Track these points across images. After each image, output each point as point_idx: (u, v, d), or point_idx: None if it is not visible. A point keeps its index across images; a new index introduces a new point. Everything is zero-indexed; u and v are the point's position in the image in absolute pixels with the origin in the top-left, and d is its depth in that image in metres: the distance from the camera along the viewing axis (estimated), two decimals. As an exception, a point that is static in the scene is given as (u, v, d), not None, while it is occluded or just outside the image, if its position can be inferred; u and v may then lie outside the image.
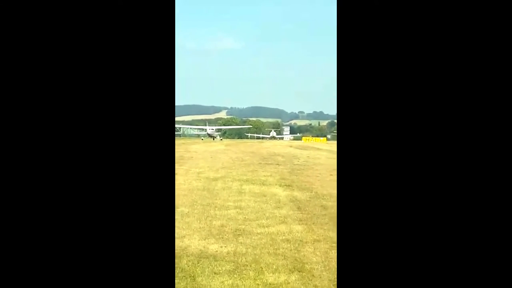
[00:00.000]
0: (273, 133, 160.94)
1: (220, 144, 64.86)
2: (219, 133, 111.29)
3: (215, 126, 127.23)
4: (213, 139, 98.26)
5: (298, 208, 11.66)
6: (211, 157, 31.93)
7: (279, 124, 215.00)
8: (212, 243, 8.16)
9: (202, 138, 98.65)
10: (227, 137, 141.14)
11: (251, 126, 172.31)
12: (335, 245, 7.84)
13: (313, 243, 8.22)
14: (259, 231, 9.06)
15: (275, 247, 7.96)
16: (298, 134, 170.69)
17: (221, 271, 6.68)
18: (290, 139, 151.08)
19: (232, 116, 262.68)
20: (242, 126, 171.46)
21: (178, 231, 8.83)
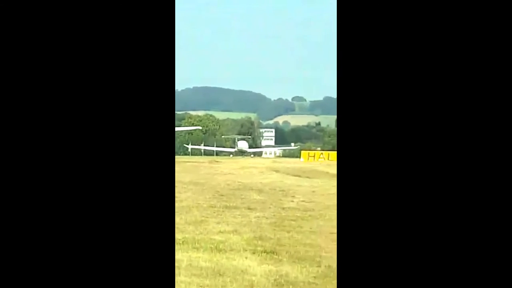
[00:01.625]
0: (241, 144, 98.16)
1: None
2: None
3: None
4: None
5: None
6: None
7: (252, 124, 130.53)
8: None
9: None
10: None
11: (198, 128, 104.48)
12: None
13: None
14: None
15: None
16: (292, 145, 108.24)
17: None
18: (276, 155, 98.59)
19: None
20: (175, 128, 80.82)
21: None
